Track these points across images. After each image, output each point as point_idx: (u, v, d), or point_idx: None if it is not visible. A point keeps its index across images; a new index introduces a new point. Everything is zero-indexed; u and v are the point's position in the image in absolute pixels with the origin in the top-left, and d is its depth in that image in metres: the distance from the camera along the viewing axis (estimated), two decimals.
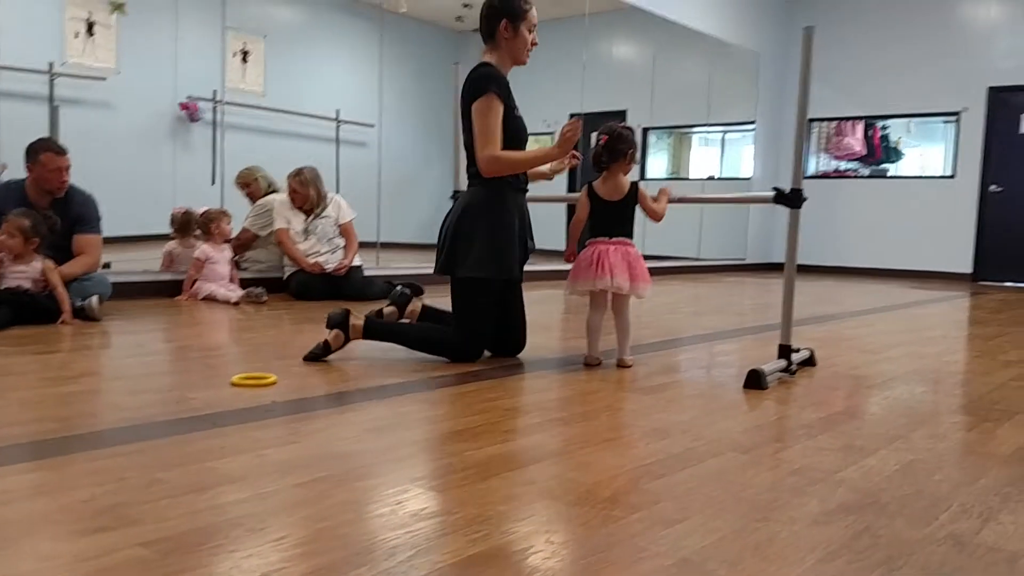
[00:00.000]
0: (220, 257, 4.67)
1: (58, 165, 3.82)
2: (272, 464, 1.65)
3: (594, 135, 3.03)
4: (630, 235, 2.94)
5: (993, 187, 9.02)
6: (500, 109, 2.86)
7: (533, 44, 3.00)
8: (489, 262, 2.89)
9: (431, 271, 3.12)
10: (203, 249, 4.63)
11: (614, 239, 2.89)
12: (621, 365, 2.91)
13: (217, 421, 1.99)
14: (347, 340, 2.87)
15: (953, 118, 9.24)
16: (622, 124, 2.98)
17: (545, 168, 3.13)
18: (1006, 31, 8.88)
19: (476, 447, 1.82)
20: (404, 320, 3.23)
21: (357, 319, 2.90)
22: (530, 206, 3.15)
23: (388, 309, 3.22)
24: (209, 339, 3.52)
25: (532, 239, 3.13)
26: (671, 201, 3.04)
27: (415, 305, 3.26)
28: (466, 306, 2.95)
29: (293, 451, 1.75)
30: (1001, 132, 8.98)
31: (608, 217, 2.93)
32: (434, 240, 3.14)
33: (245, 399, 2.22)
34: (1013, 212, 8.91)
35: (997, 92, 8.95)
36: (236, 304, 4.47)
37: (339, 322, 2.87)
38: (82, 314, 3.62)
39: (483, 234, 2.90)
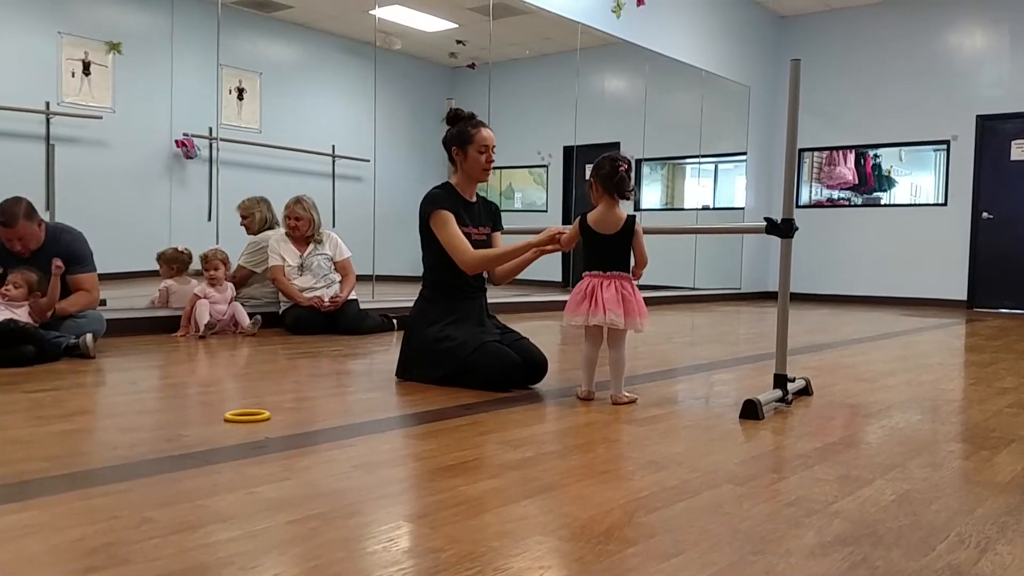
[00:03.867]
0: (220, 297, 4.67)
1: (7, 236, 3.69)
2: (264, 501, 1.64)
3: (588, 167, 3.05)
4: (626, 268, 2.86)
5: (985, 214, 9.08)
6: (452, 219, 3.11)
7: (488, 162, 3.20)
8: (456, 359, 3.05)
9: None
10: (203, 287, 4.63)
11: (609, 273, 2.83)
12: (615, 402, 2.82)
13: (210, 458, 1.98)
14: None
15: (943, 146, 9.32)
16: (614, 159, 2.90)
17: (529, 255, 3.14)
18: (991, 60, 8.99)
19: (469, 482, 1.81)
20: None
21: None
22: (522, 236, 3.17)
23: None
24: (203, 375, 3.50)
25: (498, 328, 3.26)
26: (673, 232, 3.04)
27: None
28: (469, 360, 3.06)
29: (285, 488, 1.74)
30: (991, 160, 9.06)
31: (602, 250, 2.85)
32: None
33: (238, 435, 2.21)
34: (1005, 238, 8.96)
35: (986, 120, 9.04)
36: (239, 331, 4.49)
37: None
38: (76, 351, 3.61)
39: (439, 341, 3.09)
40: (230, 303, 4.72)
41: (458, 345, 3.03)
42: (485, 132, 3.17)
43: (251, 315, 4.74)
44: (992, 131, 9.05)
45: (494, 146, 3.18)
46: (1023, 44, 8.80)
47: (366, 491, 1.74)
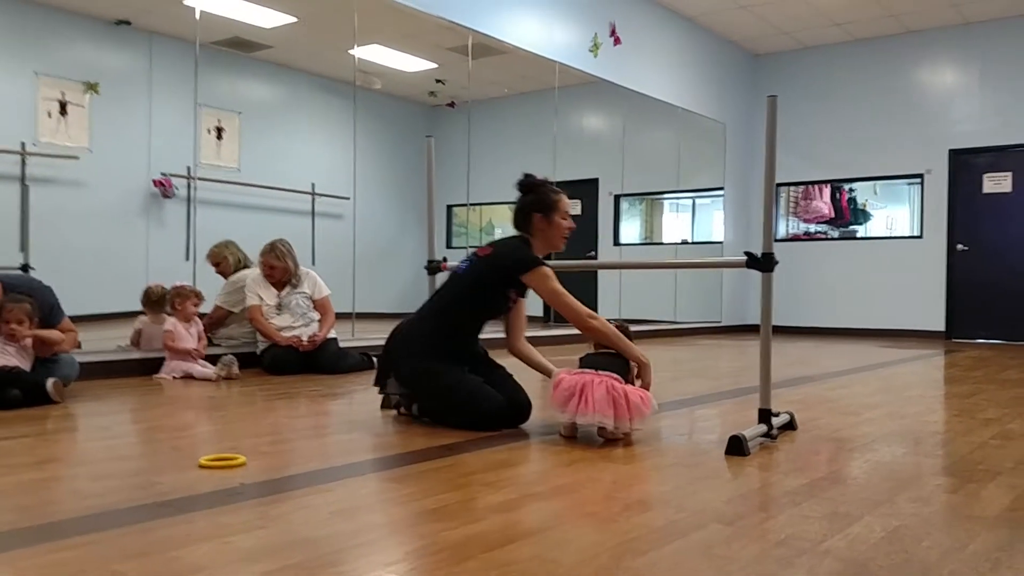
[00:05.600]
0: (187, 335, 4.59)
1: None
2: (239, 551, 1.58)
3: (574, 203, 3.07)
4: (623, 377, 2.80)
5: (960, 246, 9.19)
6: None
7: (570, 228, 3.14)
8: (440, 395, 3.01)
9: None
10: (172, 321, 4.55)
11: (601, 372, 2.76)
12: (601, 436, 2.79)
13: (183, 506, 1.92)
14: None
15: (917, 180, 9.45)
16: (627, 325, 3.03)
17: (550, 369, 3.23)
18: (962, 97, 9.17)
19: (451, 527, 1.76)
20: None
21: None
22: None
23: None
24: (178, 419, 3.43)
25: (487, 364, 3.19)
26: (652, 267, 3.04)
27: None
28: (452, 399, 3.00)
29: (261, 537, 1.68)
30: (964, 193, 9.19)
31: (599, 361, 2.84)
32: (410, 309, 3.21)
33: (213, 482, 2.15)
34: (980, 270, 9.06)
35: (958, 154, 9.19)
36: (216, 381, 4.39)
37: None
38: (45, 396, 3.53)
39: (426, 374, 3.02)
40: (199, 338, 4.64)
41: (445, 382, 2.97)
42: (566, 199, 3.13)
43: (224, 355, 4.62)
44: (964, 165, 9.19)
45: None
46: (992, 81, 8.98)
47: (345, 538, 1.69)
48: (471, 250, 3.25)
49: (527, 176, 3.14)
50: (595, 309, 3.05)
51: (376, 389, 3.29)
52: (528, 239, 3.12)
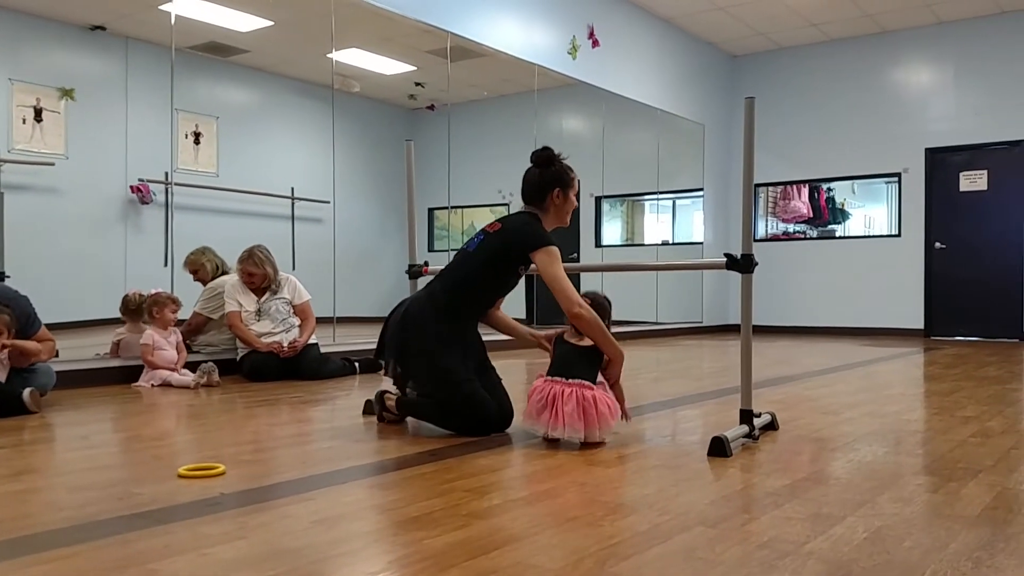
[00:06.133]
0: (166, 343, 4.54)
1: None
2: (218, 563, 1.56)
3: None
4: (592, 379, 2.80)
5: (938, 244, 9.28)
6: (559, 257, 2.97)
7: (576, 208, 3.18)
8: (439, 378, 2.96)
9: None
10: (148, 334, 4.50)
11: (572, 381, 2.75)
12: (583, 442, 2.77)
13: (162, 517, 1.89)
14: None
15: (895, 179, 9.54)
16: (604, 296, 3.05)
17: (525, 333, 3.25)
18: (938, 96, 9.27)
19: (434, 535, 1.75)
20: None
21: (391, 399, 3.17)
22: None
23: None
24: (158, 427, 3.39)
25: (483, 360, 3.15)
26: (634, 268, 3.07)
27: None
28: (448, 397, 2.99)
29: (240, 548, 1.66)
30: (941, 191, 9.28)
31: (571, 358, 2.82)
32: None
33: (192, 492, 2.12)
34: (958, 267, 9.15)
35: (935, 153, 9.28)
36: (195, 388, 4.34)
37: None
38: (22, 407, 3.48)
39: (431, 354, 2.97)
40: (178, 348, 4.59)
41: (453, 379, 2.93)
42: (576, 176, 3.14)
43: (203, 362, 4.58)
44: (941, 163, 9.29)
45: None
46: (966, 80, 9.08)
47: (326, 548, 1.67)
48: (479, 234, 3.14)
49: (546, 149, 3.08)
50: None
51: (362, 395, 3.27)
52: (537, 215, 3.08)
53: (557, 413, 2.70)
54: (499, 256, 3.00)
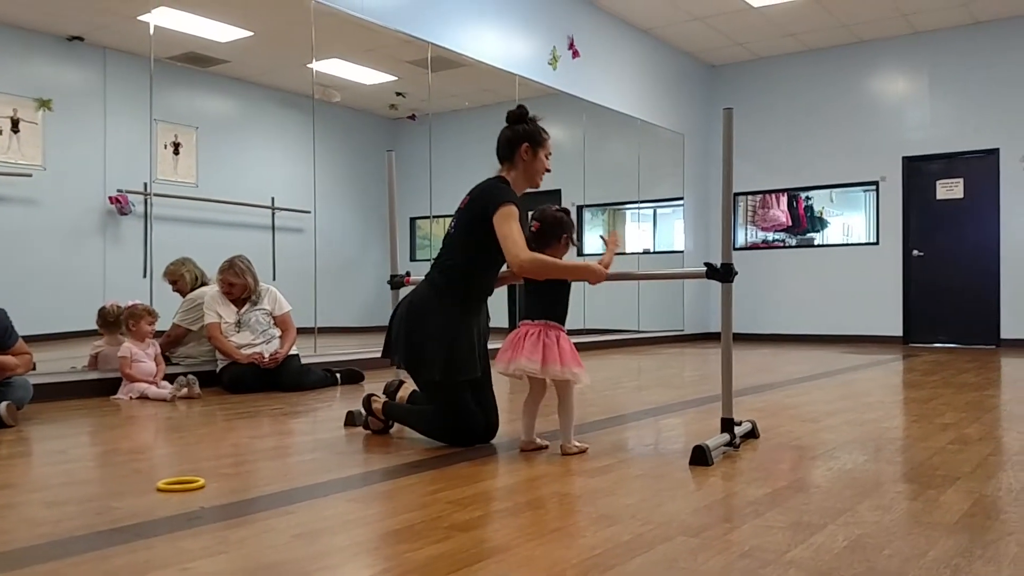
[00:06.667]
0: (144, 355, 4.50)
1: None
2: None
3: (530, 214, 3.06)
4: (559, 319, 2.85)
5: (915, 252, 9.37)
6: (517, 214, 2.94)
7: (547, 170, 3.14)
8: (451, 366, 2.91)
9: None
10: (126, 346, 4.46)
11: (538, 321, 2.82)
12: (564, 452, 2.80)
13: (141, 532, 1.88)
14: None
15: (872, 187, 9.64)
16: (556, 207, 3.01)
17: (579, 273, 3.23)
18: (914, 105, 9.38)
19: (415, 547, 1.74)
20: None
21: (377, 402, 3.21)
22: None
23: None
24: (136, 441, 3.36)
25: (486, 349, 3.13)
26: (618, 278, 3.07)
27: (404, 391, 3.34)
28: (438, 401, 2.99)
29: (221, 563, 1.65)
30: (918, 199, 9.39)
31: (537, 298, 2.88)
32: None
33: (172, 506, 2.10)
34: (935, 275, 9.25)
35: (911, 161, 9.39)
36: (171, 401, 4.31)
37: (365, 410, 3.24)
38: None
39: (441, 337, 2.93)
40: (156, 360, 4.55)
41: (444, 386, 2.93)
42: (550, 140, 3.15)
43: (182, 374, 4.53)
44: (918, 172, 9.39)
45: None
46: (941, 89, 9.20)
47: (306, 563, 1.66)
48: (455, 213, 3.11)
49: (520, 107, 3.12)
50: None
51: (344, 406, 3.26)
52: (505, 178, 3.07)
53: (518, 347, 2.76)
54: (474, 226, 2.96)
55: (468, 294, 3.03)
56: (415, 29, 6.64)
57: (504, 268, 3.02)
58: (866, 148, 9.59)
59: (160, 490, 2.27)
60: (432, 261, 3.14)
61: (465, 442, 2.95)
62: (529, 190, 3.15)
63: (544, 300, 2.87)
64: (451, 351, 2.91)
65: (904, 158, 9.39)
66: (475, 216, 2.97)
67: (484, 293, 3.12)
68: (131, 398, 4.37)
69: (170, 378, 4.55)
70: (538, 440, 2.90)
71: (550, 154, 3.15)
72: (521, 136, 3.08)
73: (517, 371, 2.77)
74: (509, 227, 2.87)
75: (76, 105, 6.25)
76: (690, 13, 8.78)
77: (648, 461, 2.77)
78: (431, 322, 2.96)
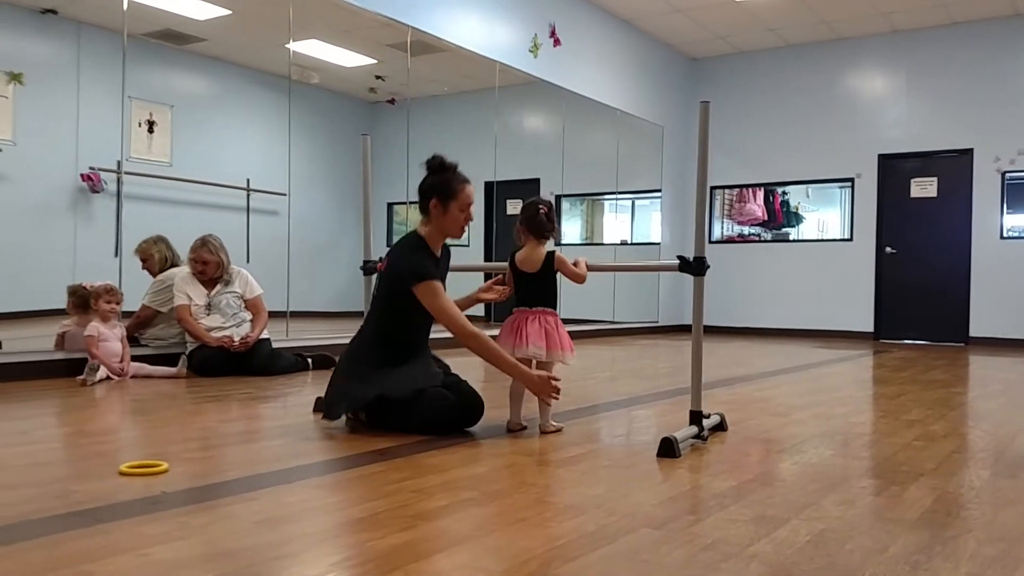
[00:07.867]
0: (111, 335, 4.44)
1: None
2: (156, 565, 1.53)
3: (515, 203, 3.10)
4: (552, 304, 3.04)
5: (888, 249, 9.46)
6: (441, 288, 2.94)
7: (467, 220, 3.04)
8: (411, 380, 2.95)
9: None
10: (93, 325, 4.39)
11: (535, 308, 3.00)
12: (542, 431, 2.97)
13: (100, 516, 1.85)
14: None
15: (848, 184, 9.71)
16: (541, 204, 3.07)
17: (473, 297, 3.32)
18: (890, 103, 9.45)
19: (378, 536, 1.73)
20: None
21: None
22: (450, 275, 3.18)
23: None
24: (102, 423, 3.32)
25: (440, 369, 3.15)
26: (590, 269, 3.16)
27: None
28: (421, 406, 2.95)
29: (180, 549, 1.63)
30: (892, 197, 9.47)
31: (528, 287, 3.05)
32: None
33: (133, 490, 2.08)
34: (907, 272, 9.35)
35: (887, 159, 9.47)
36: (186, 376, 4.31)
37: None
38: None
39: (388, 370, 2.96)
40: (122, 342, 4.50)
41: (399, 379, 2.92)
42: (470, 189, 3.02)
43: (177, 355, 4.54)
44: (893, 169, 9.47)
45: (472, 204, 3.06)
46: (918, 87, 9.27)
47: (267, 550, 1.64)
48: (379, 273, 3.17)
49: (438, 157, 3.02)
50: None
51: (313, 392, 3.24)
52: (421, 235, 3.02)
53: (521, 335, 2.93)
54: (394, 297, 2.96)
55: (404, 344, 3.03)
56: (395, 12, 6.58)
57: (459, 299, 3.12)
58: (843, 145, 9.66)
59: (122, 474, 2.24)
60: (373, 297, 3.16)
61: (442, 427, 2.92)
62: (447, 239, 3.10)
63: (536, 289, 3.04)
64: (404, 371, 2.95)
65: (880, 156, 9.47)
66: (393, 287, 2.97)
67: (420, 341, 3.10)
68: (96, 381, 4.28)
69: (146, 360, 4.53)
70: (523, 422, 3.03)
71: (470, 203, 3.04)
72: (428, 189, 3.00)
73: (522, 356, 2.93)
74: (440, 305, 2.90)
75: (49, 79, 6.14)
76: (673, 5, 8.77)
77: (617, 452, 2.78)
78: (367, 370, 2.97)
